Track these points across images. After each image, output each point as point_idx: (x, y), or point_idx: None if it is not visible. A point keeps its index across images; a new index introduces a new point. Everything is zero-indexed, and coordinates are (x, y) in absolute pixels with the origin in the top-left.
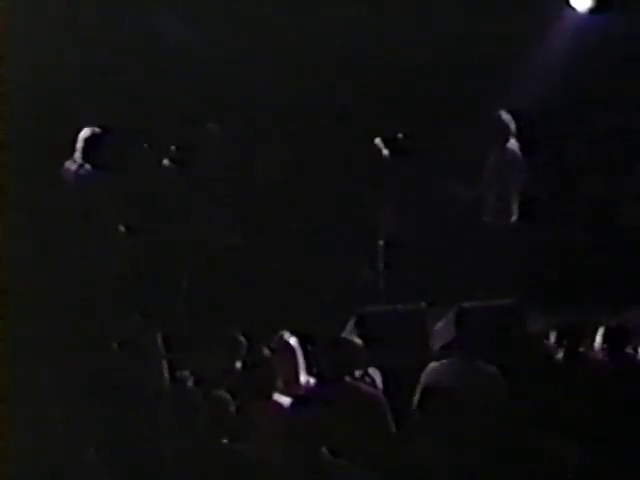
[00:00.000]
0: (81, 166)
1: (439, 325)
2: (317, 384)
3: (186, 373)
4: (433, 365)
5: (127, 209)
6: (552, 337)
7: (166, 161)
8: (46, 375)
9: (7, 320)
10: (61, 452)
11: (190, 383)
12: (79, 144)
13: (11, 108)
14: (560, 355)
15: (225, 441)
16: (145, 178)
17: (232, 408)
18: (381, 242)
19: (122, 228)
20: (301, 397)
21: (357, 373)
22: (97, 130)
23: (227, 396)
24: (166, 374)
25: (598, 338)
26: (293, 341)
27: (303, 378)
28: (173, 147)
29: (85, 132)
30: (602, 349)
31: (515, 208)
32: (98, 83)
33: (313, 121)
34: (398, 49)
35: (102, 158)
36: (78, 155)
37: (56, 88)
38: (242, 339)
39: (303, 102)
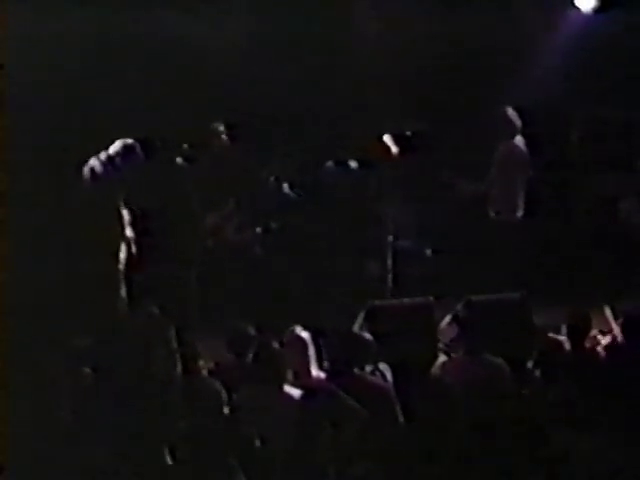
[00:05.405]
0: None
1: (444, 323)
2: (327, 377)
3: (199, 365)
4: (442, 358)
5: (141, 206)
6: (559, 330)
7: (179, 159)
8: (55, 369)
9: (13, 316)
10: (73, 443)
11: (204, 374)
12: (112, 150)
13: (19, 110)
14: (567, 347)
15: (236, 430)
16: (160, 175)
17: (244, 399)
18: (389, 238)
19: (137, 225)
20: (311, 389)
21: (367, 368)
22: (129, 142)
23: (239, 387)
24: (179, 366)
25: (614, 327)
26: (305, 335)
27: (314, 371)
28: (186, 145)
29: (116, 145)
30: (610, 342)
31: (521, 203)
32: (105, 84)
33: (321, 119)
34: (406, 48)
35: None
36: (100, 155)
37: (58, 86)
38: (255, 333)
39: (310, 100)
